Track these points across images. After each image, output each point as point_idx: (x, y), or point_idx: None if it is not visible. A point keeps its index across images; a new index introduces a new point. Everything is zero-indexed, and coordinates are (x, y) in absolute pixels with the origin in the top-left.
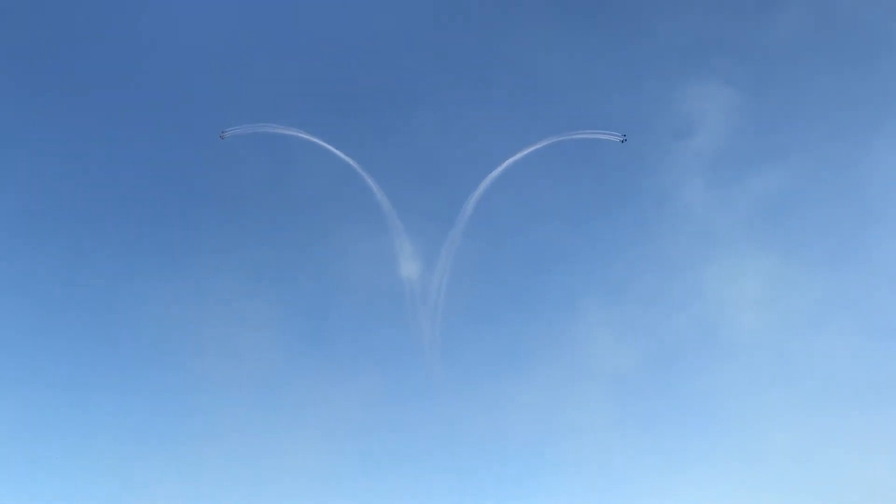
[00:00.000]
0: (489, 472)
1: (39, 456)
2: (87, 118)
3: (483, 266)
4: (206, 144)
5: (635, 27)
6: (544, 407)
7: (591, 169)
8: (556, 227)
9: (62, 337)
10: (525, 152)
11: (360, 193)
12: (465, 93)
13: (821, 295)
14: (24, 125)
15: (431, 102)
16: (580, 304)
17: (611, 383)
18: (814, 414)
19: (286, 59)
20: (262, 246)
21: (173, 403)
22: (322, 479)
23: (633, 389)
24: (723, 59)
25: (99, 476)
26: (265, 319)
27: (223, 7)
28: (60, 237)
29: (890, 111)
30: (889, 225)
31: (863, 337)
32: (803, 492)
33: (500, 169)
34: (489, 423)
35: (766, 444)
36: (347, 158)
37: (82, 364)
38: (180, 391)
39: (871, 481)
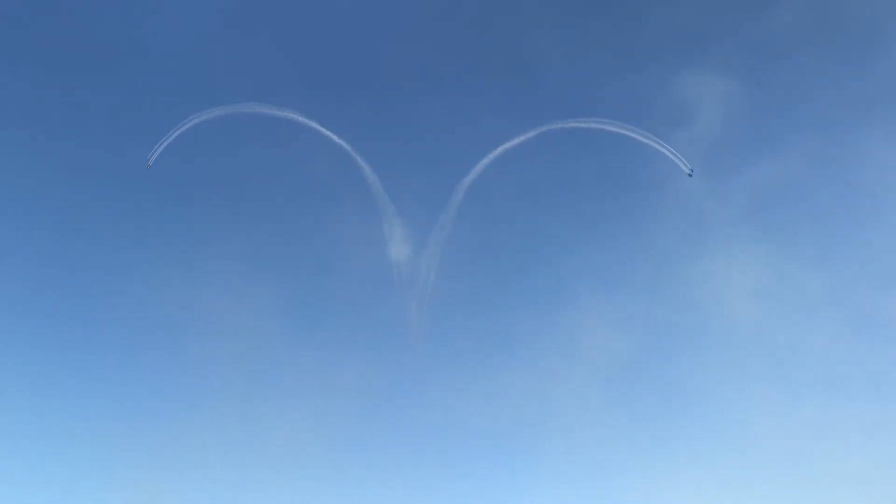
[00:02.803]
0: (479, 459)
1: (39, 432)
2: (85, 105)
3: (475, 252)
4: (201, 129)
5: (633, 15)
6: (535, 394)
7: (585, 157)
8: (550, 214)
9: (60, 321)
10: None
11: (354, 177)
12: (461, 77)
13: (813, 287)
14: (23, 113)
15: (427, 86)
16: (572, 293)
17: (602, 372)
18: (804, 406)
19: (281, 42)
20: (257, 230)
21: (169, 385)
22: (312, 462)
23: (624, 379)
24: (720, 48)
25: (90, 457)
26: (259, 303)
27: None
28: (62, 224)
29: (886, 105)
30: (883, 219)
31: (854, 330)
32: (793, 483)
33: (493, 154)
34: (479, 410)
35: (756, 435)
36: (341, 142)
37: (78, 348)
38: (176, 373)
39: (860, 473)
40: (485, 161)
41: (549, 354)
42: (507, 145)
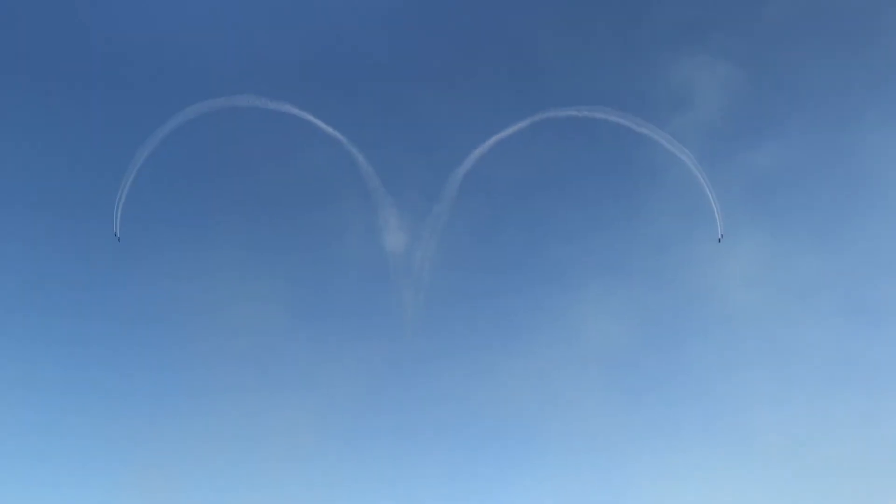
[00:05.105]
0: (478, 446)
1: (43, 425)
2: (81, 97)
3: (473, 241)
4: (197, 122)
5: (631, 1)
6: (534, 382)
7: (582, 144)
8: (547, 202)
9: (61, 315)
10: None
11: (349, 168)
12: (456, 66)
13: (811, 273)
14: (20, 108)
15: (422, 76)
16: (570, 281)
17: (600, 359)
18: (802, 392)
19: (274, 34)
20: (252, 222)
21: (168, 378)
22: (312, 451)
23: (622, 366)
24: (719, 34)
25: (93, 449)
26: (256, 295)
27: None
28: (62, 217)
29: (884, 91)
30: (881, 206)
31: (852, 317)
32: (791, 468)
33: (489, 143)
34: (479, 398)
35: (754, 420)
36: (336, 133)
37: (78, 341)
38: (175, 364)
39: (857, 459)
40: (480, 150)
41: (547, 342)
42: (503, 134)
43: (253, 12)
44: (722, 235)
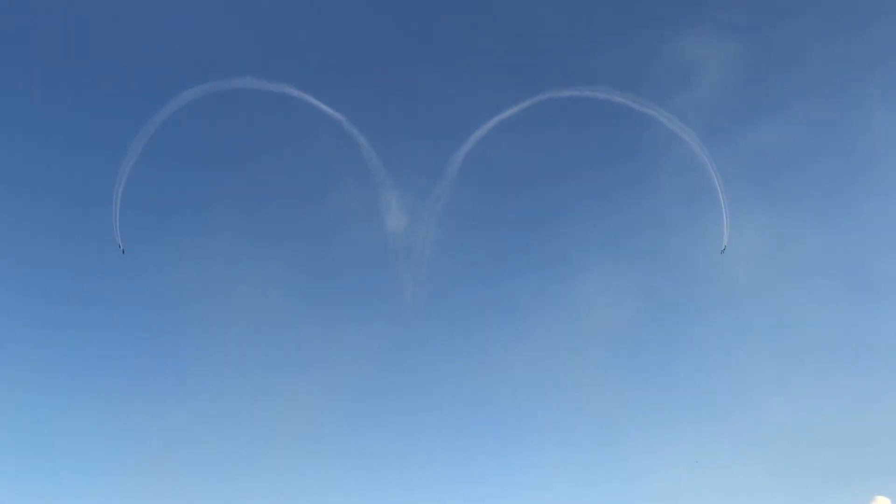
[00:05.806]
0: (480, 428)
1: (44, 406)
2: (84, 82)
3: (475, 222)
4: (200, 106)
5: None
6: (536, 363)
7: (585, 123)
8: (550, 182)
9: (72, 288)
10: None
11: (350, 150)
12: (456, 47)
13: (814, 251)
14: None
15: (422, 57)
16: (573, 261)
17: (604, 338)
18: (804, 367)
19: (274, 15)
20: (257, 205)
21: (172, 357)
22: (315, 431)
23: (626, 346)
24: (722, 10)
25: (96, 418)
26: (261, 277)
27: None
28: (61, 199)
29: (887, 69)
30: (882, 183)
31: (853, 293)
32: (793, 444)
33: (489, 124)
34: (480, 380)
35: (758, 397)
36: (336, 114)
37: (87, 316)
38: (185, 345)
39: (858, 431)
40: (481, 131)
41: (550, 323)
42: (504, 115)
43: None
44: (725, 247)
